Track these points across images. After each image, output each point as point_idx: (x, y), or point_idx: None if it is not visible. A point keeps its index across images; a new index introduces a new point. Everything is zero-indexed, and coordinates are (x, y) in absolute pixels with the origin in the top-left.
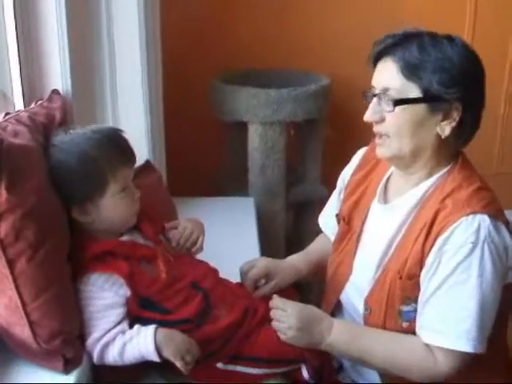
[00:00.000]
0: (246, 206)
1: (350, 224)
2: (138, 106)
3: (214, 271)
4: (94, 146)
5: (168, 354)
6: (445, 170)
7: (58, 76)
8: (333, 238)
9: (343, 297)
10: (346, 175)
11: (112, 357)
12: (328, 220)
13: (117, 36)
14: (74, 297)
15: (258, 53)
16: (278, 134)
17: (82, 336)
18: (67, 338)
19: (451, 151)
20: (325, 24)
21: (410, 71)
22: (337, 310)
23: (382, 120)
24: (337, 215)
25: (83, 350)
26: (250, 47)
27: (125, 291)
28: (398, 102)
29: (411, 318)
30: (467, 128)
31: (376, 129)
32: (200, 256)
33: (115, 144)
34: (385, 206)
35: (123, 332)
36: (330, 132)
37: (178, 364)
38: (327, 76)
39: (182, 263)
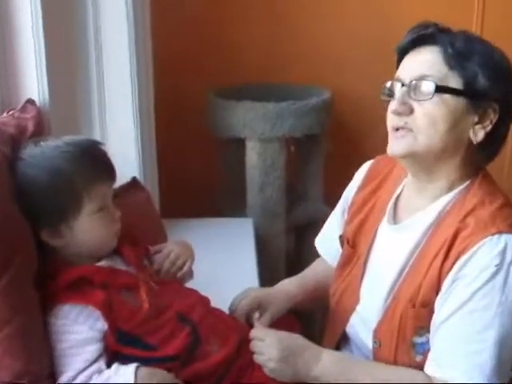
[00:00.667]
0: (244, 227)
1: (356, 247)
2: (127, 120)
3: (205, 300)
4: (67, 160)
5: None
6: (465, 184)
7: (33, 85)
8: (332, 263)
9: (349, 329)
10: (349, 193)
11: None
12: (327, 243)
13: (104, 45)
14: (43, 331)
15: (255, 66)
16: (278, 150)
17: (52, 376)
18: (34, 380)
19: (476, 164)
20: (325, 36)
21: (456, 60)
22: (343, 342)
23: (411, 112)
24: (340, 237)
25: None
26: (248, 60)
27: (102, 325)
28: (439, 89)
29: (425, 351)
30: (498, 137)
31: (398, 122)
32: (193, 282)
33: (92, 157)
34: (395, 227)
35: (100, 371)
36: (332, 148)
37: None
38: (328, 89)
39: (168, 292)
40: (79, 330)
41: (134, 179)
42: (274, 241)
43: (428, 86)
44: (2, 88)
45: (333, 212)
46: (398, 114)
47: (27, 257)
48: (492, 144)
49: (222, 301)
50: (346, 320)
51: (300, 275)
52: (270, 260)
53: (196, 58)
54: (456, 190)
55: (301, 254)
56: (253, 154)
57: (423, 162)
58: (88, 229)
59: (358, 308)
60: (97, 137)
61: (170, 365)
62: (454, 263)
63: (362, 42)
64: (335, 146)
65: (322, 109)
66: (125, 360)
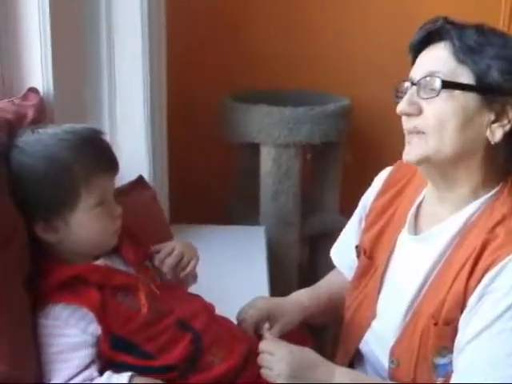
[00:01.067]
0: (256, 235)
1: (373, 258)
2: (138, 120)
3: (209, 308)
4: (65, 149)
5: None
6: (492, 191)
7: (37, 73)
8: (348, 275)
9: (363, 346)
10: (367, 200)
11: None
12: (343, 253)
13: (117, 39)
14: (32, 333)
15: (272, 72)
16: (293, 157)
17: (39, 382)
18: None
19: (501, 167)
20: (345, 43)
21: (465, 53)
22: (356, 360)
23: (420, 112)
24: (356, 247)
25: None
26: (265, 66)
27: (95, 328)
28: (446, 85)
29: (448, 373)
30: None
31: (409, 124)
32: (200, 289)
33: (92, 147)
34: (416, 238)
35: (91, 379)
36: (350, 157)
37: None
38: (347, 97)
39: (170, 297)
40: (70, 333)
41: (140, 177)
42: (287, 251)
43: (435, 83)
44: (5, 76)
45: (350, 220)
46: (406, 115)
47: (17, 253)
48: None
49: (229, 310)
50: (361, 336)
51: (314, 286)
52: (283, 271)
53: (213, 63)
54: (482, 199)
55: (315, 266)
56: (267, 160)
57: (439, 168)
58: (85, 224)
59: (374, 324)
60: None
61: (169, 375)
62: (481, 277)
63: (383, 49)
64: (353, 155)
65: (341, 116)
66: (119, 368)
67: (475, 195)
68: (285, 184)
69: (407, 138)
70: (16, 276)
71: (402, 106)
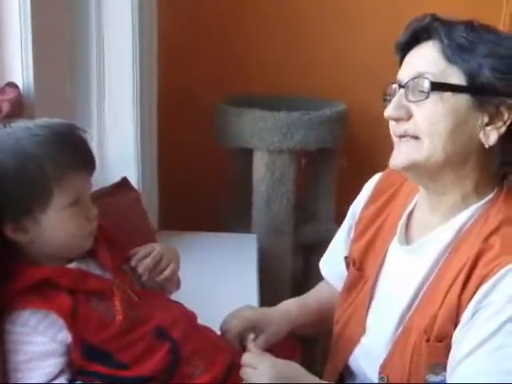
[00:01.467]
0: (247, 243)
1: (362, 270)
2: (127, 124)
3: (190, 316)
4: (37, 144)
5: None
6: (486, 198)
7: (17, 68)
8: (338, 286)
9: (352, 362)
10: (356, 208)
11: None
12: (332, 264)
13: (107, 38)
14: None
15: (267, 77)
16: (287, 163)
17: None
18: None
19: (495, 172)
20: (342, 48)
21: (455, 52)
22: (347, 375)
23: (410, 116)
24: (346, 258)
25: None
26: (260, 70)
27: (65, 336)
28: (436, 86)
29: None
30: None
31: (399, 129)
32: (186, 297)
33: (67, 143)
34: (407, 248)
35: None
36: (345, 164)
37: None
38: (343, 103)
39: (149, 304)
40: (39, 341)
41: (124, 179)
42: (279, 260)
43: (424, 84)
44: None
45: (339, 230)
46: (394, 120)
47: None
48: (509, 148)
49: (216, 320)
50: (350, 352)
51: (303, 296)
52: (275, 281)
53: (207, 64)
54: (476, 205)
55: (308, 277)
56: (260, 166)
57: (430, 174)
58: (57, 225)
59: (363, 340)
60: (93, 135)
61: None
62: (475, 291)
63: (379, 54)
64: (349, 163)
65: (337, 121)
66: (92, 378)
67: (467, 202)
68: (278, 191)
69: (396, 142)
70: None
71: (389, 111)
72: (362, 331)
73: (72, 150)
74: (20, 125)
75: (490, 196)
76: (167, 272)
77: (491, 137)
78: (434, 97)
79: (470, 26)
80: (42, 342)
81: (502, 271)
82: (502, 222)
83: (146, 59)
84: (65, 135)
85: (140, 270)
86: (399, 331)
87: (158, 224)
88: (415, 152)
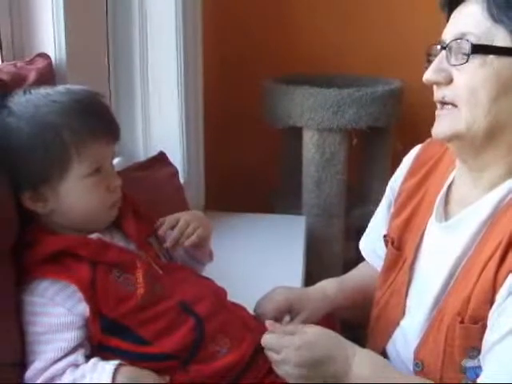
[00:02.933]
0: (296, 225)
1: (402, 249)
2: (171, 102)
3: (219, 292)
4: (56, 111)
5: None
6: None
7: (50, 39)
8: (379, 266)
9: (390, 347)
10: (395, 182)
11: None
12: (372, 243)
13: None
14: (14, 310)
15: (320, 56)
16: (338, 142)
17: (20, 364)
18: None
19: None
20: (396, 24)
21: (501, 9)
22: None
23: (450, 81)
24: (385, 236)
25: None
26: (311, 49)
27: (84, 308)
28: (477, 49)
29: (479, 376)
30: None
31: (438, 95)
32: (226, 278)
33: (87, 110)
34: (444, 225)
35: (76, 365)
36: (399, 144)
37: None
38: (398, 80)
39: (175, 278)
40: (56, 312)
41: (161, 153)
42: (329, 244)
43: (466, 46)
44: (15, 41)
45: (378, 207)
46: (433, 84)
47: (3, 221)
48: None
49: (252, 302)
50: (389, 336)
51: (342, 277)
52: (323, 266)
53: (257, 45)
54: None
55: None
56: (310, 146)
57: (471, 145)
58: (76, 195)
59: (403, 323)
60: (137, 111)
61: (167, 364)
62: (510, 269)
63: (439, 30)
64: (403, 142)
65: (390, 99)
66: (111, 354)
67: (509, 176)
68: (328, 172)
69: (437, 110)
70: (1, 246)
71: (428, 74)
72: (402, 314)
73: (91, 117)
74: (40, 91)
75: None
76: (193, 238)
77: None
78: (476, 60)
79: None
80: (58, 313)
81: None
82: None
83: (190, 38)
84: (85, 102)
85: (166, 242)
86: (433, 314)
87: (206, 204)
88: (454, 122)
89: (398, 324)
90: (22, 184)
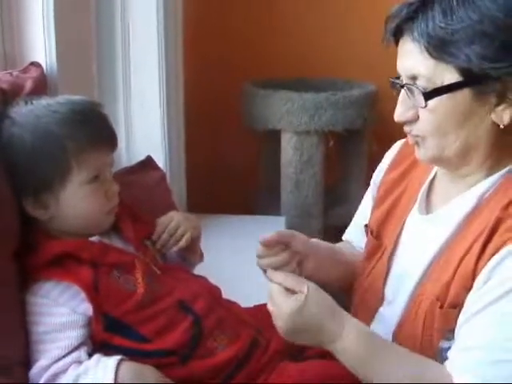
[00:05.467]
0: (275, 226)
1: (381, 239)
2: (153, 105)
3: (214, 290)
4: (57, 121)
5: None
6: (507, 167)
7: (40, 48)
8: (359, 248)
9: None
10: (377, 176)
11: None
12: (356, 234)
13: (132, 16)
14: (19, 311)
15: (296, 60)
16: (315, 144)
17: (26, 363)
18: (2, 365)
19: None
20: (371, 28)
21: (438, 48)
22: None
23: (417, 117)
24: (366, 226)
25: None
26: (288, 53)
27: (86, 308)
28: (431, 94)
29: None
30: None
31: (408, 128)
32: (211, 278)
33: (86, 120)
34: (427, 217)
35: (79, 362)
36: (375, 146)
37: None
38: (373, 84)
39: (172, 278)
40: (59, 312)
41: (149, 157)
42: None
43: (418, 95)
44: (6, 51)
45: (362, 200)
46: (403, 123)
47: (6, 226)
48: None
49: (237, 298)
50: (368, 322)
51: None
52: None
53: (234, 49)
54: (497, 175)
55: None
56: (288, 148)
57: (447, 164)
58: (77, 201)
59: (381, 310)
60: (120, 115)
61: (166, 360)
62: (490, 258)
63: None
64: (379, 144)
65: (365, 102)
66: (113, 351)
67: (490, 173)
68: (306, 173)
69: (410, 139)
70: (4, 250)
71: (397, 116)
72: (381, 301)
73: (91, 126)
74: (42, 102)
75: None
76: (181, 243)
77: (504, 116)
78: (433, 102)
79: (447, 7)
80: (62, 313)
81: None
82: None
83: (171, 42)
84: (84, 112)
85: (158, 245)
86: (413, 298)
87: (187, 207)
88: (428, 150)
89: (376, 311)
90: (24, 191)
